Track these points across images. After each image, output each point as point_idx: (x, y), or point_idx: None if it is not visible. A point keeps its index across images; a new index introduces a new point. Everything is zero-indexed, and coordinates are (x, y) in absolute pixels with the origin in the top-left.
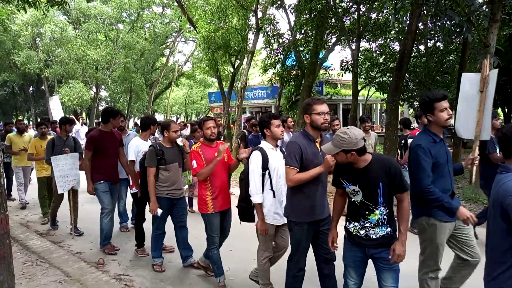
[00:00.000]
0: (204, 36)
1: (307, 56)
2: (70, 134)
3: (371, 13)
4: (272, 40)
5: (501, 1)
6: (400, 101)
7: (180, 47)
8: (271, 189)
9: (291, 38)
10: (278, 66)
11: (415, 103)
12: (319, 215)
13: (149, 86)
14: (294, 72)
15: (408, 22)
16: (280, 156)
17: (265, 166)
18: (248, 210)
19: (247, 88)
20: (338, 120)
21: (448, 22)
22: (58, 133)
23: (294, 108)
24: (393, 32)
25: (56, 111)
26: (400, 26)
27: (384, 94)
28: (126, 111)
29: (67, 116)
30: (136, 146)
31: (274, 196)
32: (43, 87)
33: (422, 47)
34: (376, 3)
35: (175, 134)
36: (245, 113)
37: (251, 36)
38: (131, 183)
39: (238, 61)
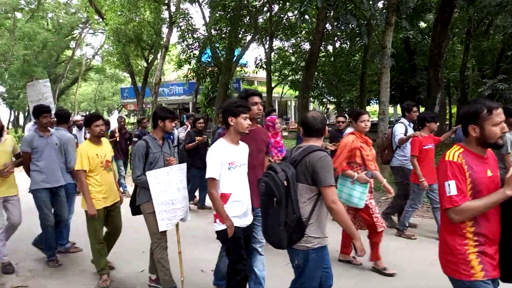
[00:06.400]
0: (113, 28)
1: (223, 52)
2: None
3: (283, 13)
4: (187, 35)
5: (394, 7)
6: (311, 98)
7: (88, 39)
8: None
9: (206, 34)
10: (193, 61)
11: (324, 100)
12: None
13: (53, 81)
14: (210, 69)
15: (315, 23)
16: None
17: None
18: None
19: (163, 84)
20: None
21: (349, 25)
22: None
23: (212, 105)
24: (303, 32)
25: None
26: (310, 27)
27: (297, 91)
28: (27, 108)
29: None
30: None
31: None
32: None
33: (330, 48)
34: (287, 3)
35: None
36: None
37: (165, 30)
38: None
39: (152, 55)
